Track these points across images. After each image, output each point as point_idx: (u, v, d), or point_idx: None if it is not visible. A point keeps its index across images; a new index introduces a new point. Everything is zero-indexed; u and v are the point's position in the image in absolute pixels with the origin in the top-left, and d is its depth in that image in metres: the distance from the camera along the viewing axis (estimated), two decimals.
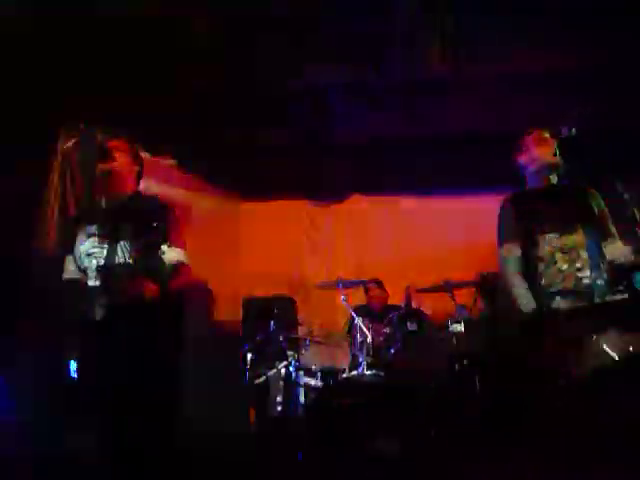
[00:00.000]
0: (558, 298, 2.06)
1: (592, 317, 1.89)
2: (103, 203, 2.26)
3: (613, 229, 2.26)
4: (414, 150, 4.95)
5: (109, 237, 2.11)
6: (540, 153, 2.32)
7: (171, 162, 4.96)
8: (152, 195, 2.35)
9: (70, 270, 2.23)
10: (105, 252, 2.09)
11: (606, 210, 2.30)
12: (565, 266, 2.13)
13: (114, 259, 2.06)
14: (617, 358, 1.71)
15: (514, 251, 2.27)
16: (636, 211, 1.87)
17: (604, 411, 1.80)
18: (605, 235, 2.23)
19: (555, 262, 2.14)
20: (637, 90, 3.94)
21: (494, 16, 3.50)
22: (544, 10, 3.38)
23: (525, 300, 2.12)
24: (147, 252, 1.85)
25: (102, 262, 2.07)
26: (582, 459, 1.93)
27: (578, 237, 2.15)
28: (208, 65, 3.89)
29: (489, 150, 4.71)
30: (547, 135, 2.31)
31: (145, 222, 2.07)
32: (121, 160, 2.22)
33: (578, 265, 2.11)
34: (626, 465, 2.15)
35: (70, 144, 2.18)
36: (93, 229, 2.16)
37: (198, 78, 3.98)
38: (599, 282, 2.01)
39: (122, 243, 2.09)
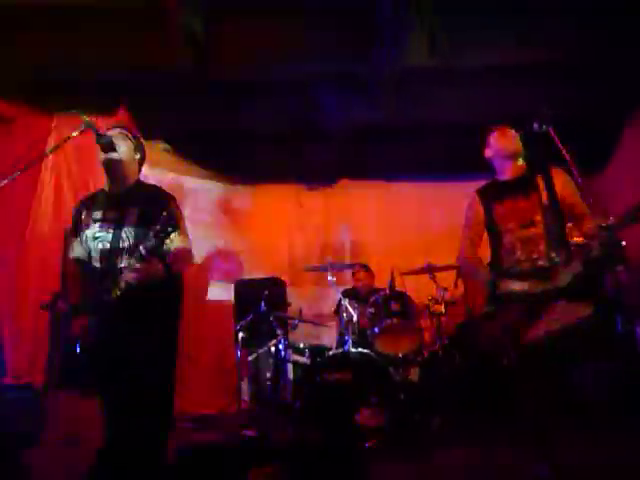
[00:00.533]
0: (516, 280, 2.28)
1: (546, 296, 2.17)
2: (107, 190, 2.38)
3: (581, 207, 2.38)
4: (401, 137, 5.08)
5: (114, 222, 2.23)
6: (500, 145, 2.48)
7: (163, 146, 5.04)
8: (152, 184, 2.47)
9: (77, 250, 2.35)
10: (110, 236, 2.22)
11: (573, 189, 2.41)
12: (524, 256, 2.32)
13: (119, 243, 2.19)
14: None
15: (470, 248, 2.56)
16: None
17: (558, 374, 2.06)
18: (574, 216, 2.36)
19: (515, 252, 2.35)
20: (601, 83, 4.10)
21: (479, 9, 3.61)
22: (527, 6, 3.49)
23: (484, 278, 2.39)
24: (158, 239, 1.97)
25: (107, 246, 2.21)
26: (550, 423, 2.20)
27: (537, 230, 2.33)
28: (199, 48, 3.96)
29: (473, 139, 4.86)
30: (508, 130, 2.48)
31: (149, 209, 2.20)
32: (123, 149, 2.31)
33: (535, 256, 2.30)
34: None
35: (74, 134, 2.25)
36: (99, 215, 2.28)
37: (189, 60, 4.04)
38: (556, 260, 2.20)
39: (126, 228, 2.21)
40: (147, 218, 2.15)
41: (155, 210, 2.11)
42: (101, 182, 3.90)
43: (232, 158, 5.26)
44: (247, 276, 4.99)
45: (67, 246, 2.41)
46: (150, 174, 4.63)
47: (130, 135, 2.39)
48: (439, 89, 4.35)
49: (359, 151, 5.27)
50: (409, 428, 3.36)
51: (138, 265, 2.02)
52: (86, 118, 2.19)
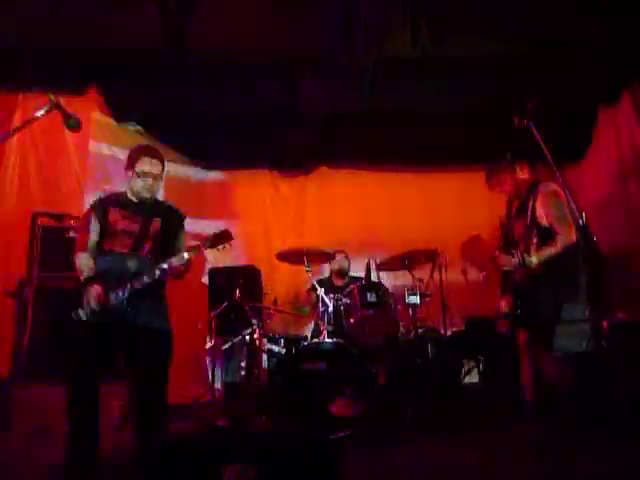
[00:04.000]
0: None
1: None
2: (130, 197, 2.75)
3: (552, 228, 2.83)
4: (380, 125, 5.04)
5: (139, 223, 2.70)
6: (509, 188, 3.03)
7: (135, 128, 4.89)
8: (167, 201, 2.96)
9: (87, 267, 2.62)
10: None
11: (549, 211, 2.85)
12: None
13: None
14: None
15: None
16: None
17: None
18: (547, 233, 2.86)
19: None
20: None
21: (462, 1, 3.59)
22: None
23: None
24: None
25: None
26: None
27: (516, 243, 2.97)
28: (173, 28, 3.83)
29: (451, 130, 4.89)
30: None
31: (170, 223, 2.78)
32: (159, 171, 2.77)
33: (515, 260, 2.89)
34: None
35: (39, 114, 2.14)
36: (125, 213, 2.69)
37: (163, 41, 3.90)
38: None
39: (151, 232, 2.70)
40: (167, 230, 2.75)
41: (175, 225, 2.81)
42: (69, 163, 3.88)
43: (207, 142, 5.15)
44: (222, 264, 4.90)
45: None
46: (122, 157, 4.50)
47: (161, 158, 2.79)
48: (419, 78, 4.32)
49: (337, 138, 5.23)
50: (383, 418, 3.40)
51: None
52: (51, 97, 2.08)
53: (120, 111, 4.63)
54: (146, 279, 2.55)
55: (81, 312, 2.53)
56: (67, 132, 2.35)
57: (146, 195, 2.74)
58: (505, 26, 3.73)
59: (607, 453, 2.51)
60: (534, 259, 2.80)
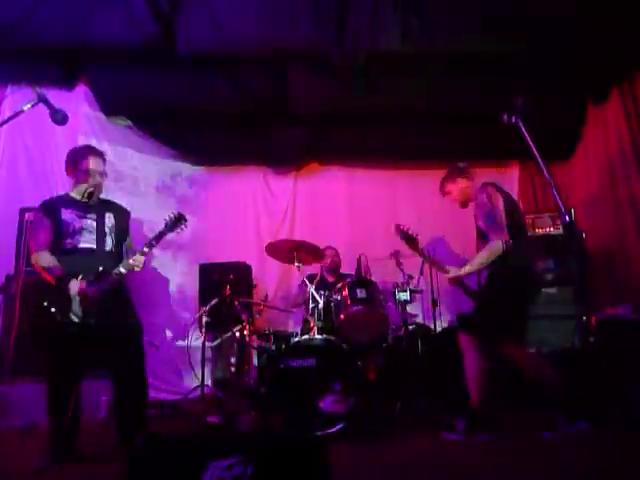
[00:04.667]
0: None
1: None
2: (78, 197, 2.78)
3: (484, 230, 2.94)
4: (371, 122, 5.03)
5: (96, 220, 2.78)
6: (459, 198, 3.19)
7: (125, 122, 4.85)
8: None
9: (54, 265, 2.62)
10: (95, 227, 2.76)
11: (479, 214, 2.99)
12: None
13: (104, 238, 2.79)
14: None
15: None
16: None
17: None
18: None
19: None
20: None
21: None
22: None
23: None
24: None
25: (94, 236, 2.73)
26: None
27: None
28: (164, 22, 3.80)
29: (441, 127, 4.89)
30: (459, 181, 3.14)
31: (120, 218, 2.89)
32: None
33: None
34: None
35: (25, 108, 2.11)
36: (80, 212, 2.74)
37: (154, 34, 3.86)
38: None
39: (107, 228, 2.80)
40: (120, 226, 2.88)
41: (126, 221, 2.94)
42: (57, 158, 3.89)
43: (198, 138, 5.11)
44: (213, 260, 4.89)
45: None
46: (110, 151, 4.47)
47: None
48: (411, 75, 4.31)
49: (328, 135, 5.20)
50: (372, 414, 3.40)
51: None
52: (38, 90, 2.06)
53: (109, 106, 4.58)
54: (121, 271, 2.62)
55: (71, 311, 2.51)
56: (56, 127, 2.34)
57: (95, 193, 2.80)
58: (495, 24, 3.72)
59: (596, 450, 2.52)
60: (467, 267, 2.92)
